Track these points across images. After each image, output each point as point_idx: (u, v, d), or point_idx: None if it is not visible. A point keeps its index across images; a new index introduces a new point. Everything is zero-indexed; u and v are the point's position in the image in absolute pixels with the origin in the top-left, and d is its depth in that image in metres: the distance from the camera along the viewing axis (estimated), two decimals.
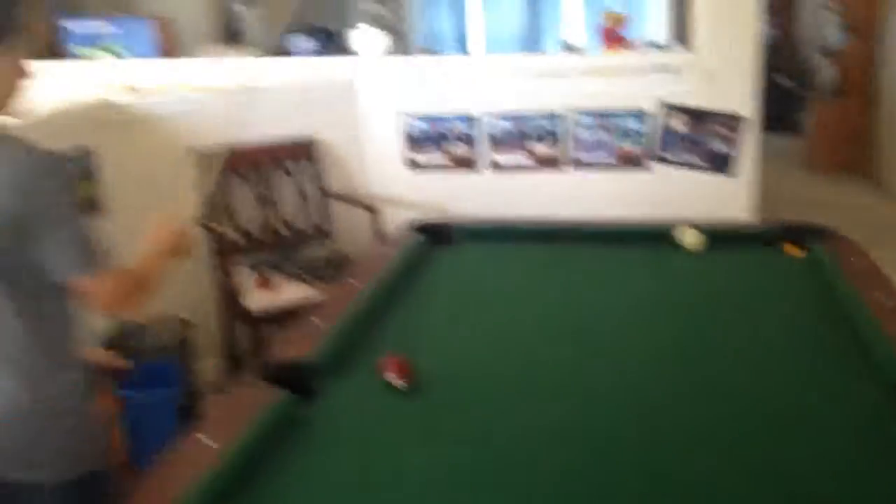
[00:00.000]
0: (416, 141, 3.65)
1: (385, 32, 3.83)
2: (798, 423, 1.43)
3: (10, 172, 1.32)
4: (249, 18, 4.96)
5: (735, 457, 1.33)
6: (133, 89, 3.47)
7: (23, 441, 1.41)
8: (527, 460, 1.35)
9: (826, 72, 6.26)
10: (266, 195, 3.40)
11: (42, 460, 1.42)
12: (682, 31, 4.17)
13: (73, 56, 3.72)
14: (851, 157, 6.14)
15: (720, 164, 3.35)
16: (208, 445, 1.33)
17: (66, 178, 1.42)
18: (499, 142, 3.57)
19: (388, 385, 1.57)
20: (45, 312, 1.42)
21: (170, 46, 3.90)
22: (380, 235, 3.29)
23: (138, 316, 1.50)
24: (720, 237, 2.32)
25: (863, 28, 6.02)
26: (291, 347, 1.73)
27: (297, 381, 1.57)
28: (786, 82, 6.73)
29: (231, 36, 4.95)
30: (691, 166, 3.40)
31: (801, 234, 2.28)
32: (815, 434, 1.39)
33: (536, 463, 1.34)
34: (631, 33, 4.43)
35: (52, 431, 1.42)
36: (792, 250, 2.23)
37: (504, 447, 1.39)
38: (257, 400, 1.48)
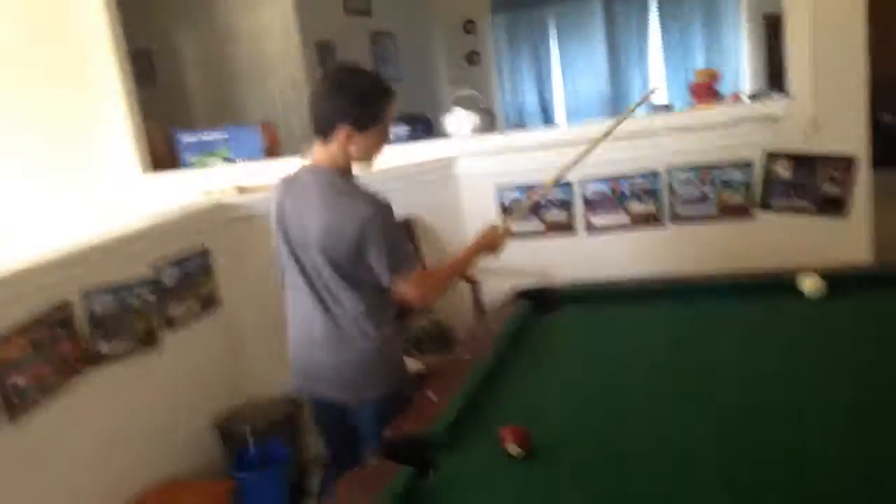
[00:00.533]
0: (513, 210, 3.68)
1: (476, 113, 3.95)
2: None
3: (357, 209, 1.99)
4: None
5: None
6: (242, 189, 3.70)
7: (357, 374, 2.06)
8: None
9: None
10: None
11: (369, 385, 2.06)
12: (776, 80, 4.10)
13: (188, 164, 4.02)
14: None
15: (831, 207, 3.21)
16: None
17: (387, 209, 2.07)
18: (597, 203, 3.57)
19: (508, 455, 1.56)
20: (372, 294, 2.06)
21: (273, 148, 4.15)
22: (479, 305, 3.31)
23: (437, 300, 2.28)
24: (842, 282, 2.22)
25: None
26: (410, 422, 1.74)
27: (417, 455, 1.59)
28: (888, 117, 6.48)
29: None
30: (799, 211, 3.27)
31: None
32: None
33: None
34: (722, 88, 4.40)
35: (378, 367, 2.07)
36: None
37: None
38: (382, 477, 1.49)
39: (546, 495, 1.44)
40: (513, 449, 1.56)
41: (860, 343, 1.93)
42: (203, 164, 4.02)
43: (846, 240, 3.24)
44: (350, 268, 2.02)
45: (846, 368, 1.80)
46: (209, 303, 3.17)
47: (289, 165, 3.82)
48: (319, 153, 2.06)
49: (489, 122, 4.03)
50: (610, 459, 1.54)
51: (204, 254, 3.15)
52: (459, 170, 3.74)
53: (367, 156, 2.10)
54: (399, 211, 3.56)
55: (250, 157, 3.98)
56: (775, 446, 1.50)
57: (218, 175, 3.90)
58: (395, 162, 3.81)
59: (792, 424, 1.57)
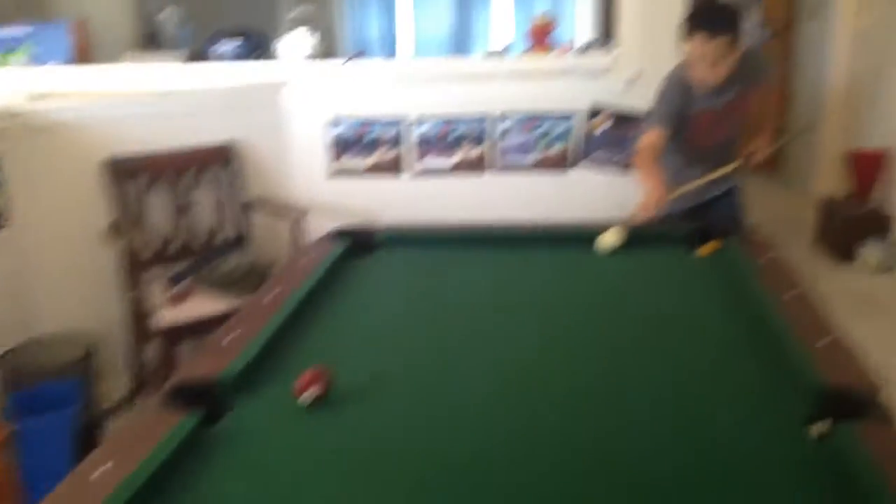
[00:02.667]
0: (343, 146, 3.60)
1: (313, 36, 3.77)
2: (704, 420, 1.44)
3: None
4: (171, 22, 4.81)
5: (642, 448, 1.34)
6: (41, 96, 3.33)
7: None
8: (441, 467, 1.32)
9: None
10: (182, 204, 3.30)
11: None
12: (609, 33, 4.22)
13: None
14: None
15: None
16: (107, 471, 1.26)
17: (668, 80, 2.79)
18: (427, 145, 3.56)
19: (305, 401, 1.53)
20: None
21: (85, 51, 3.76)
22: (300, 244, 3.23)
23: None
24: (639, 237, 2.35)
25: (782, 28, 6.23)
26: (203, 364, 1.66)
27: (206, 400, 1.52)
28: None
29: (152, 40, 4.79)
30: (615, 166, 3.44)
31: (714, 232, 2.33)
32: (723, 428, 1.41)
33: (450, 466, 1.31)
34: (559, 36, 4.47)
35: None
36: (707, 249, 2.28)
37: (418, 459, 1.36)
38: (162, 421, 1.41)
39: (340, 439, 1.43)
40: (310, 393, 1.53)
41: (650, 291, 2.08)
42: (3, 64, 3.57)
43: None
44: None
45: (619, 312, 1.96)
46: None
47: (103, 72, 3.52)
48: None
49: (327, 47, 3.87)
50: (412, 403, 1.55)
51: None
52: (289, 96, 3.57)
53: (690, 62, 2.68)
54: (217, 135, 3.41)
55: (57, 59, 3.59)
56: (572, 381, 1.61)
57: (14, 78, 3.48)
58: (218, 80, 3.59)
59: (568, 357, 1.70)
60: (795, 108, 6.03)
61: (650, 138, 2.72)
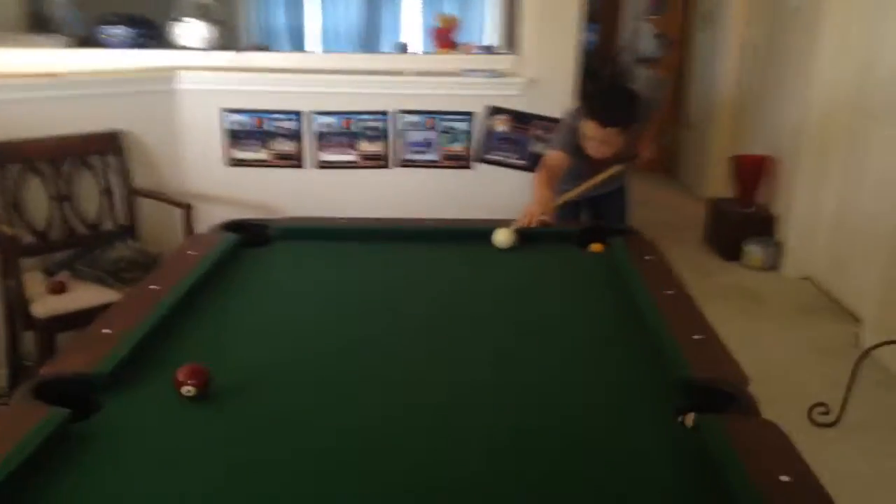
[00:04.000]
0: (239, 137, 3.51)
1: (212, 25, 3.65)
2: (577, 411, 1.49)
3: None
4: (59, 4, 4.56)
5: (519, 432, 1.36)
6: None
7: None
8: (331, 465, 1.31)
9: (642, 78, 6.67)
10: (64, 192, 3.14)
11: None
12: (512, 39, 4.29)
13: None
14: (658, 158, 6.62)
15: (537, 163, 3.47)
16: None
17: (569, 117, 2.96)
18: (326, 139, 3.52)
19: (183, 396, 1.48)
20: None
21: None
22: (191, 234, 3.13)
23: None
24: (530, 235, 2.40)
25: (677, 38, 6.49)
26: (75, 358, 1.58)
27: (75, 395, 1.45)
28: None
29: (39, 23, 4.53)
30: (511, 166, 3.51)
31: (602, 232, 2.41)
32: (598, 420, 1.46)
33: (341, 465, 1.30)
34: (464, 38, 4.51)
35: None
36: (595, 247, 2.35)
37: (302, 453, 1.34)
38: (25, 416, 1.34)
39: (216, 434, 1.39)
40: (186, 390, 1.49)
41: (538, 286, 2.13)
42: None
43: None
44: None
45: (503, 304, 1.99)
46: None
47: None
48: None
49: (224, 37, 3.75)
50: (293, 400, 1.53)
51: None
52: (181, 84, 3.46)
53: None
54: (106, 122, 3.26)
55: None
56: (461, 372, 1.62)
57: None
58: (107, 66, 3.43)
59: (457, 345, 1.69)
60: (687, 113, 6.31)
61: (552, 159, 2.86)
